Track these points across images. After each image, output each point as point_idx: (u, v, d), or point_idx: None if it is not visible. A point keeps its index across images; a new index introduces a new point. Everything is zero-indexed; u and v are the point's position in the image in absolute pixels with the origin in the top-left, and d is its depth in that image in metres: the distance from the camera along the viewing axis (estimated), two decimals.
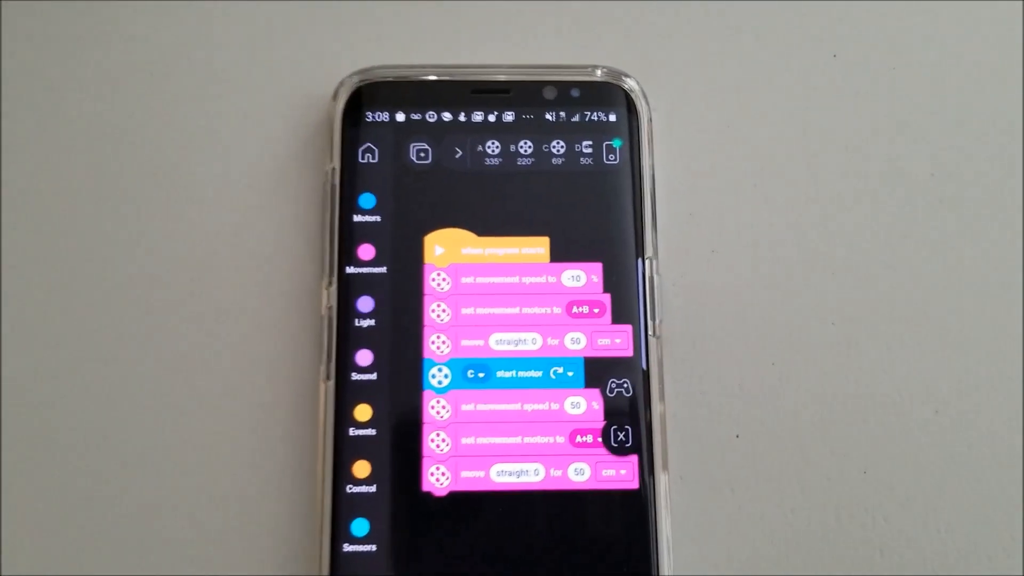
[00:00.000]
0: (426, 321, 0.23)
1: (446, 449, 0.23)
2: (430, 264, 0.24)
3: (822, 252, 0.25)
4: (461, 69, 0.25)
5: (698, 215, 0.26)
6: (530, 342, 0.23)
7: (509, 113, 0.25)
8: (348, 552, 0.22)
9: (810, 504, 0.24)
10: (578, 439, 0.23)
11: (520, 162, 0.25)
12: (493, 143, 0.25)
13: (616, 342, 0.23)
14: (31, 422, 0.24)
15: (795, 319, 0.25)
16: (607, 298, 0.24)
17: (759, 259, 0.25)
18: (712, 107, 0.26)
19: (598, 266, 0.24)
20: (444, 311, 0.24)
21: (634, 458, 0.23)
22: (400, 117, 0.25)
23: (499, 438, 0.23)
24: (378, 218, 0.24)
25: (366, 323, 0.23)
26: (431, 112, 0.25)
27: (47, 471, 0.23)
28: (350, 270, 0.24)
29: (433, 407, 0.23)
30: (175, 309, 0.24)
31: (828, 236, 0.25)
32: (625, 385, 0.23)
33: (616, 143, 0.25)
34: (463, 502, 0.22)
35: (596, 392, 0.23)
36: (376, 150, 0.24)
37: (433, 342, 0.23)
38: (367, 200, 0.24)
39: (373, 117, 0.25)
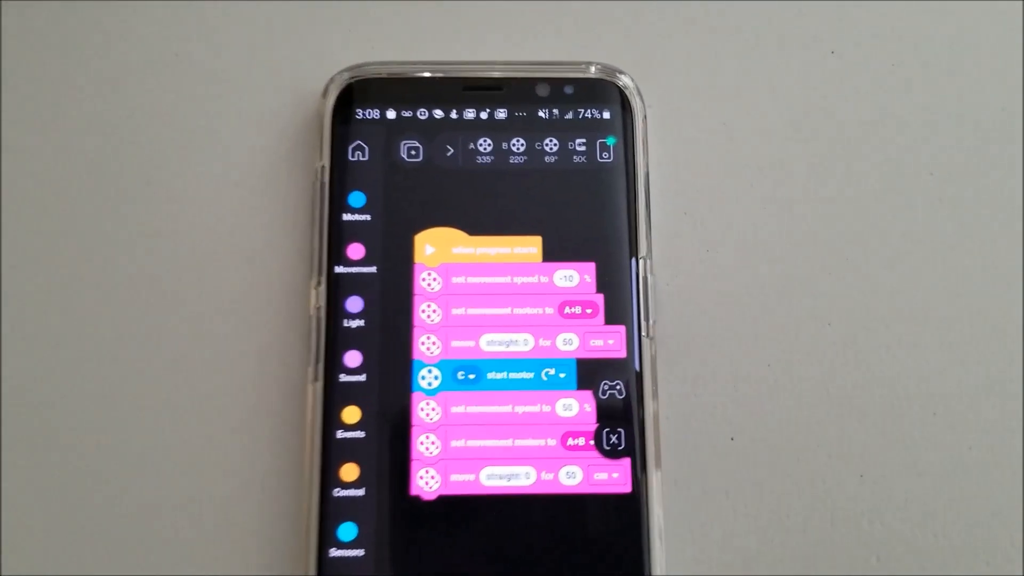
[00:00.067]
0: (416, 321, 0.23)
1: (436, 452, 0.22)
2: (420, 264, 0.24)
3: (819, 252, 0.25)
4: (453, 66, 0.25)
5: (693, 214, 0.25)
6: (522, 343, 0.23)
7: (501, 110, 0.25)
8: (335, 557, 0.22)
9: (806, 508, 0.23)
10: (570, 442, 0.23)
11: (512, 160, 0.24)
12: (485, 141, 0.24)
13: (609, 343, 0.23)
14: (15, 422, 0.23)
15: (791, 320, 0.25)
16: (600, 298, 0.23)
17: (755, 259, 0.25)
18: (708, 104, 0.26)
19: (591, 266, 0.24)
20: (434, 311, 0.23)
21: (627, 461, 0.22)
22: (391, 114, 0.25)
23: (490, 441, 0.23)
24: (368, 217, 0.24)
25: (355, 323, 0.23)
26: (422, 109, 0.25)
27: (33, 471, 0.23)
28: (339, 269, 0.23)
29: (423, 409, 0.23)
30: (160, 309, 0.24)
31: (825, 236, 0.25)
32: (618, 387, 0.23)
33: (610, 141, 0.25)
34: (453, 506, 0.22)
35: (588, 394, 0.23)
36: (366, 148, 0.24)
37: (423, 343, 0.23)
38: (357, 199, 0.24)
39: (363, 114, 0.24)
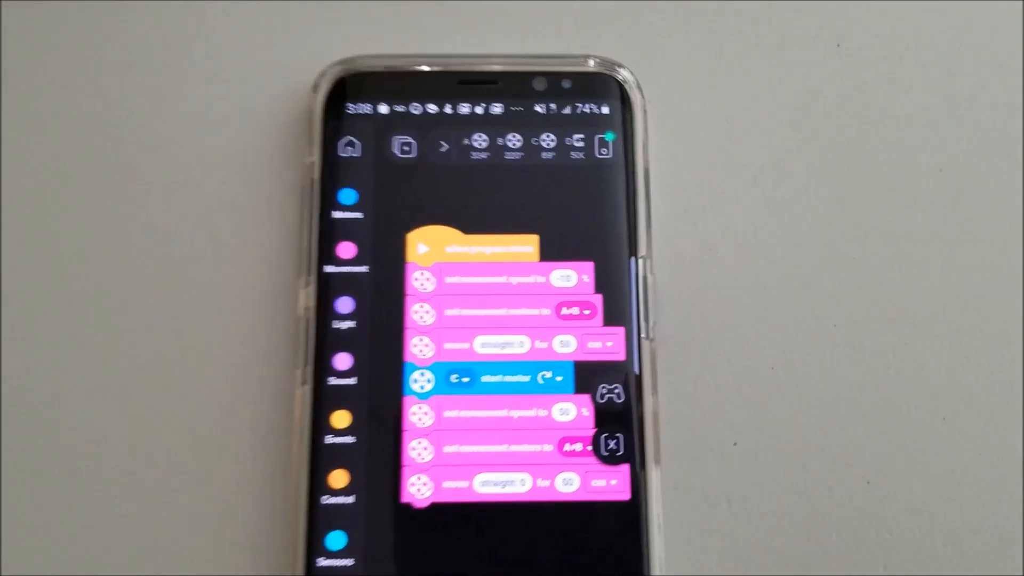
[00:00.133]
0: (408, 323, 0.23)
1: (428, 458, 0.22)
2: (413, 263, 0.23)
3: (824, 251, 0.25)
4: (447, 59, 0.25)
5: (695, 212, 0.25)
6: (517, 345, 0.23)
7: (497, 105, 0.24)
8: (324, 566, 0.21)
9: (811, 516, 0.23)
10: (567, 448, 0.22)
11: (508, 156, 0.24)
12: (480, 136, 0.24)
13: (608, 345, 0.23)
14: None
15: (796, 321, 0.24)
16: (598, 299, 0.23)
17: (759, 258, 0.25)
18: (710, 99, 0.26)
19: (589, 265, 0.23)
20: (427, 312, 0.23)
21: (626, 467, 0.22)
22: (383, 109, 0.24)
23: (484, 446, 0.22)
24: (359, 215, 0.23)
25: (345, 325, 0.23)
26: (416, 104, 0.24)
27: (16, 473, 0.23)
28: (329, 269, 0.23)
29: (414, 413, 0.22)
30: (142, 309, 0.24)
31: (831, 234, 0.25)
32: (617, 391, 0.23)
33: (609, 136, 0.24)
34: (445, 514, 0.22)
35: (586, 398, 0.23)
36: (358, 143, 0.24)
37: (415, 345, 0.23)
38: (348, 196, 0.24)
39: (355, 109, 0.24)
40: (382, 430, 0.22)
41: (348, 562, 0.21)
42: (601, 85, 0.25)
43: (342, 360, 0.22)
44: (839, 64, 0.26)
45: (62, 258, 0.24)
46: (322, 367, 0.22)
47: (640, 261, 0.23)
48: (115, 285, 0.24)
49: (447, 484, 0.22)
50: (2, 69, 0.25)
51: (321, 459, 0.22)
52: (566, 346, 0.23)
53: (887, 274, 0.25)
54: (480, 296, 0.23)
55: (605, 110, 0.24)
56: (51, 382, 0.23)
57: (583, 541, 0.22)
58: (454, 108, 0.24)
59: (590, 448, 0.22)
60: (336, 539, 0.21)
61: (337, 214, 0.23)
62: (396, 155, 0.24)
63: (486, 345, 0.23)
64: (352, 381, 0.22)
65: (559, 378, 0.23)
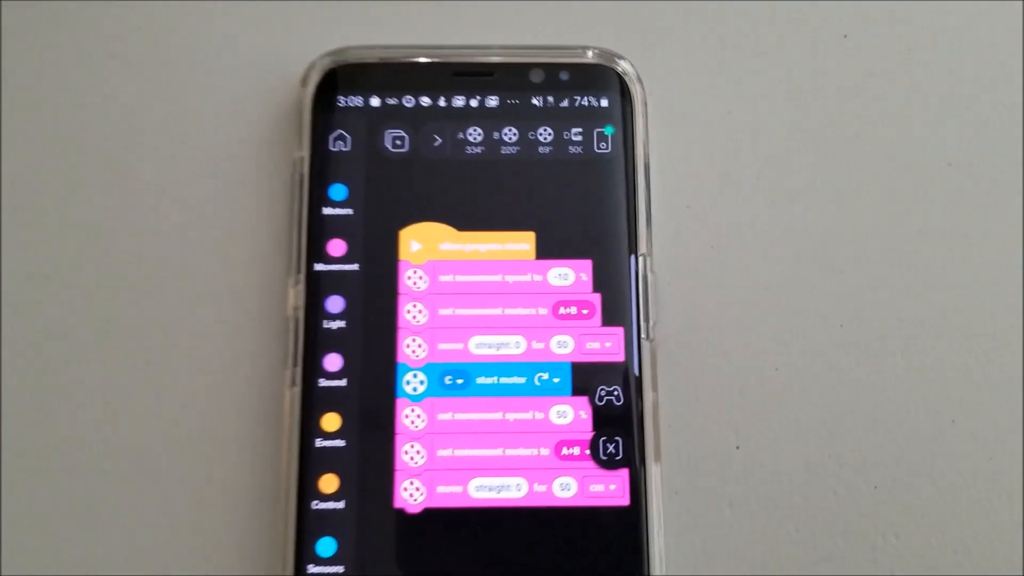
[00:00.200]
0: (400, 323, 0.23)
1: (421, 462, 0.22)
2: (405, 261, 0.23)
3: (829, 249, 0.25)
4: (441, 50, 0.25)
5: (696, 208, 0.25)
6: (513, 346, 0.23)
7: (493, 98, 0.24)
8: (313, 573, 0.21)
9: (815, 522, 0.23)
10: (564, 451, 0.22)
11: (504, 151, 0.24)
12: (475, 130, 0.24)
13: (606, 346, 0.23)
14: None
15: (800, 321, 0.24)
16: (597, 298, 0.23)
17: (761, 256, 0.24)
18: (712, 92, 0.26)
19: (587, 263, 0.23)
20: (420, 312, 0.23)
21: (625, 472, 0.22)
22: (375, 102, 0.24)
23: (478, 450, 0.22)
24: (350, 211, 0.23)
25: (335, 325, 0.22)
26: (408, 96, 0.24)
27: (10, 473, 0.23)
28: (319, 267, 0.23)
29: (407, 416, 0.22)
30: (128, 308, 0.24)
31: (836, 231, 0.25)
32: (616, 393, 0.22)
33: (608, 130, 0.24)
34: (439, 519, 0.21)
35: (584, 400, 0.22)
36: (348, 137, 0.24)
37: (408, 345, 0.22)
38: (338, 191, 0.23)
39: (346, 102, 0.24)
40: (374, 433, 0.22)
41: (338, 569, 0.21)
42: (600, 77, 0.24)
43: (332, 361, 0.22)
44: (846, 54, 0.26)
45: (50, 257, 0.24)
46: (312, 368, 0.22)
47: (640, 259, 0.23)
48: (97, 282, 0.24)
49: (441, 489, 0.22)
50: (2, 69, 0.25)
51: (311, 463, 0.22)
52: (564, 347, 0.23)
53: (894, 273, 0.24)
54: (475, 295, 0.23)
55: (604, 103, 0.24)
56: (35, 385, 0.23)
57: (581, 548, 0.21)
58: (448, 101, 0.24)
59: (588, 452, 0.22)
60: (326, 545, 0.21)
61: (327, 210, 0.23)
62: (388, 149, 0.24)
63: (481, 346, 0.23)
64: (343, 383, 0.22)
65: (556, 380, 0.22)
